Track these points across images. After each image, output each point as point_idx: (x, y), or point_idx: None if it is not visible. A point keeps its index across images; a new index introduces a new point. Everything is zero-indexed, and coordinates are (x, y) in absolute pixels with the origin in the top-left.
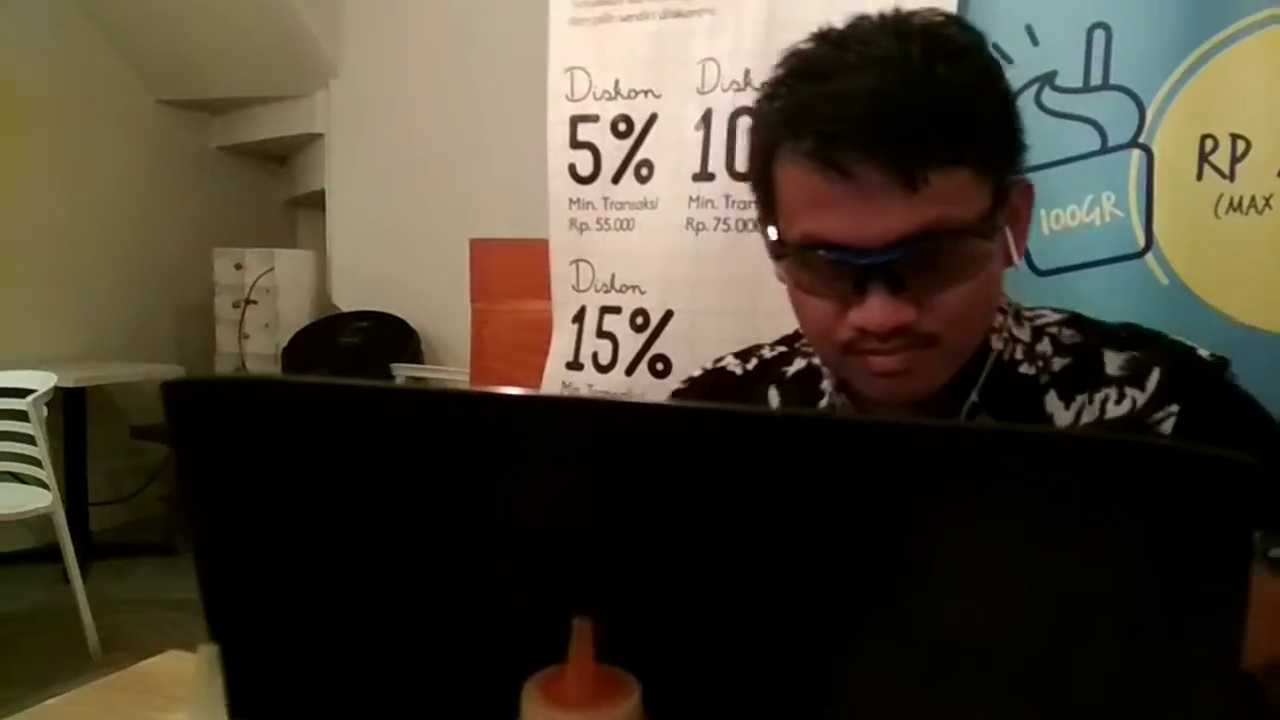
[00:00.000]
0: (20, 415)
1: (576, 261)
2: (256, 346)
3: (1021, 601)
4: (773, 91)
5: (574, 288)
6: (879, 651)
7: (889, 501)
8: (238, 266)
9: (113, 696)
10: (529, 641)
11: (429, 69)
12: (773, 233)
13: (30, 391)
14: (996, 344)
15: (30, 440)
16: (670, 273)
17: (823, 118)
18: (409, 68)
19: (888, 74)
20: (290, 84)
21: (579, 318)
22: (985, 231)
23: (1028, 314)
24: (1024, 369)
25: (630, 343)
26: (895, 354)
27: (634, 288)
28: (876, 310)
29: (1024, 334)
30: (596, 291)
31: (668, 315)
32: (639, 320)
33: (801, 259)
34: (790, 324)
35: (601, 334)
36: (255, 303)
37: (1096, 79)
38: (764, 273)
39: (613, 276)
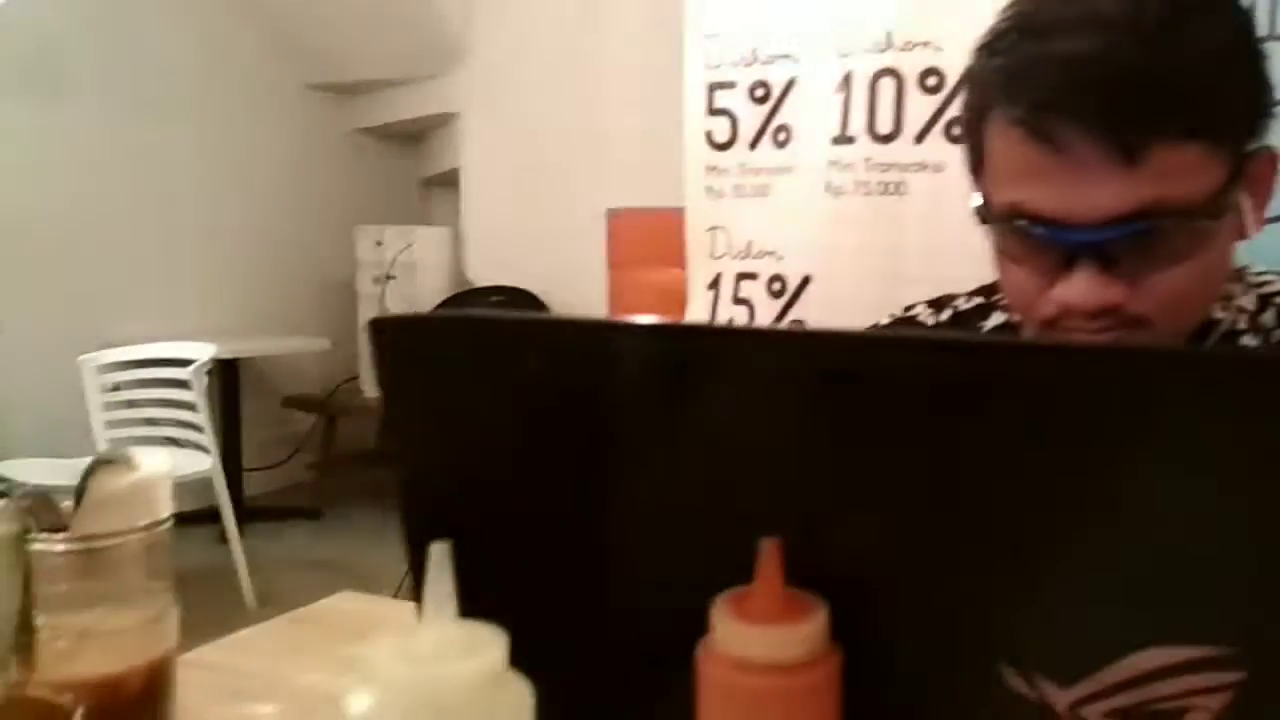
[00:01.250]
0: (182, 384)
1: (713, 229)
2: None
3: (1216, 523)
4: (991, 46)
5: (710, 255)
6: (1065, 575)
7: (1077, 425)
8: (378, 244)
9: (299, 630)
10: (719, 562)
11: (561, 43)
12: (978, 196)
13: (191, 361)
14: (1221, 314)
15: (191, 407)
16: (808, 238)
17: (1037, 83)
18: (541, 43)
19: (1115, 35)
20: (425, 65)
21: (715, 284)
22: (1213, 211)
23: (1254, 278)
24: (1245, 340)
25: (767, 308)
26: (1101, 335)
27: (770, 253)
28: (1083, 289)
29: (1249, 301)
30: (733, 258)
31: (805, 281)
32: (776, 286)
33: (1006, 228)
34: (932, 290)
35: (738, 300)
36: (394, 278)
37: None
38: (907, 236)
39: (749, 243)
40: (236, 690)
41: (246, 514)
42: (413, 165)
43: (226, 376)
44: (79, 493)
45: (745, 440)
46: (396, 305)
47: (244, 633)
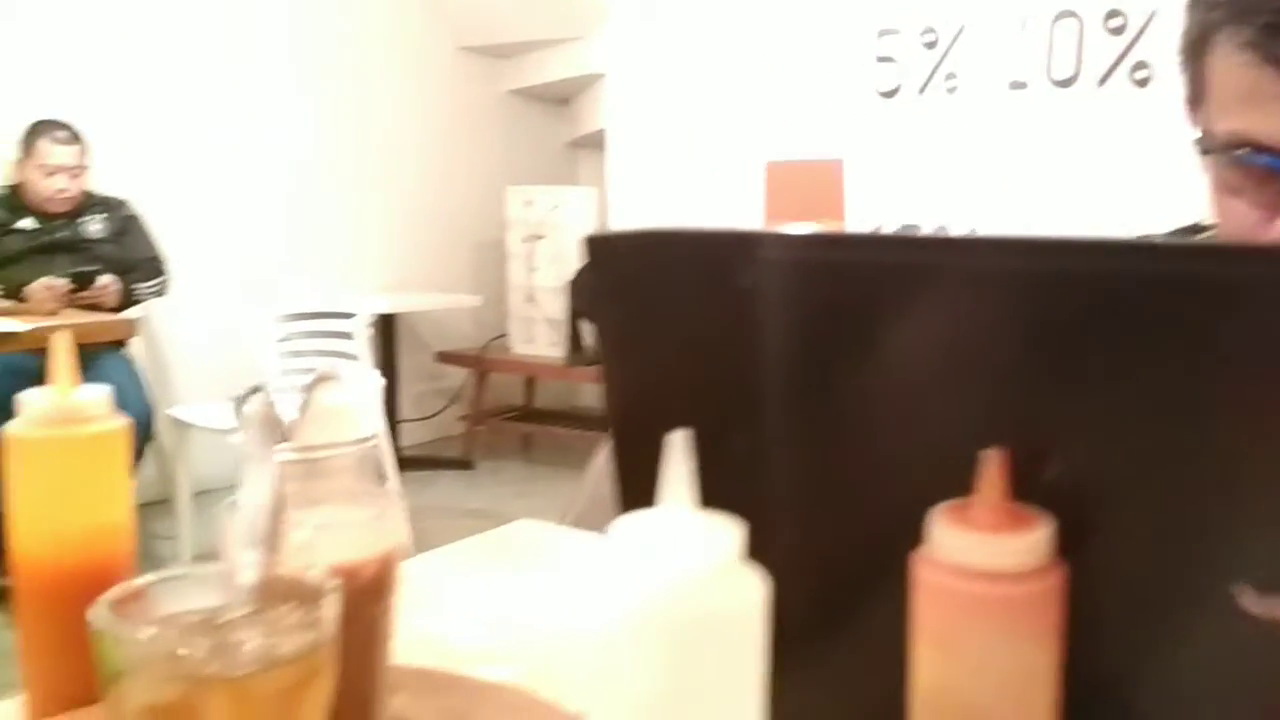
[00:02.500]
0: (346, 336)
1: (874, 179)
2: (544, 279)
3: None
4: None
5: (870, 206)
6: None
7: None
8: (527, 203)
9: (485, 549)
10: (937, 473)
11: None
12: (1197, 125)
13: (355, 315)
14: None
15: (354, 359)
16: (979, 186)
17: (1270, 5)
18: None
19: None
20: (573, 26)
21: None
22: None
23: None
24: None
25: None
26: None
27: (936, 204)
28: None
29: None
30: (894, 209)
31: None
32: None
33: (1227, 158)
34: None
35: None
36: (543, 237)
37: None
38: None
39: (912, 194)
40: (426, 603)
41: (401, 463)
42: (561, 127)
43: (385, 331)
44: (301, 405)
45: (969, 349)
46: (544, 264)
47: (437, 550)
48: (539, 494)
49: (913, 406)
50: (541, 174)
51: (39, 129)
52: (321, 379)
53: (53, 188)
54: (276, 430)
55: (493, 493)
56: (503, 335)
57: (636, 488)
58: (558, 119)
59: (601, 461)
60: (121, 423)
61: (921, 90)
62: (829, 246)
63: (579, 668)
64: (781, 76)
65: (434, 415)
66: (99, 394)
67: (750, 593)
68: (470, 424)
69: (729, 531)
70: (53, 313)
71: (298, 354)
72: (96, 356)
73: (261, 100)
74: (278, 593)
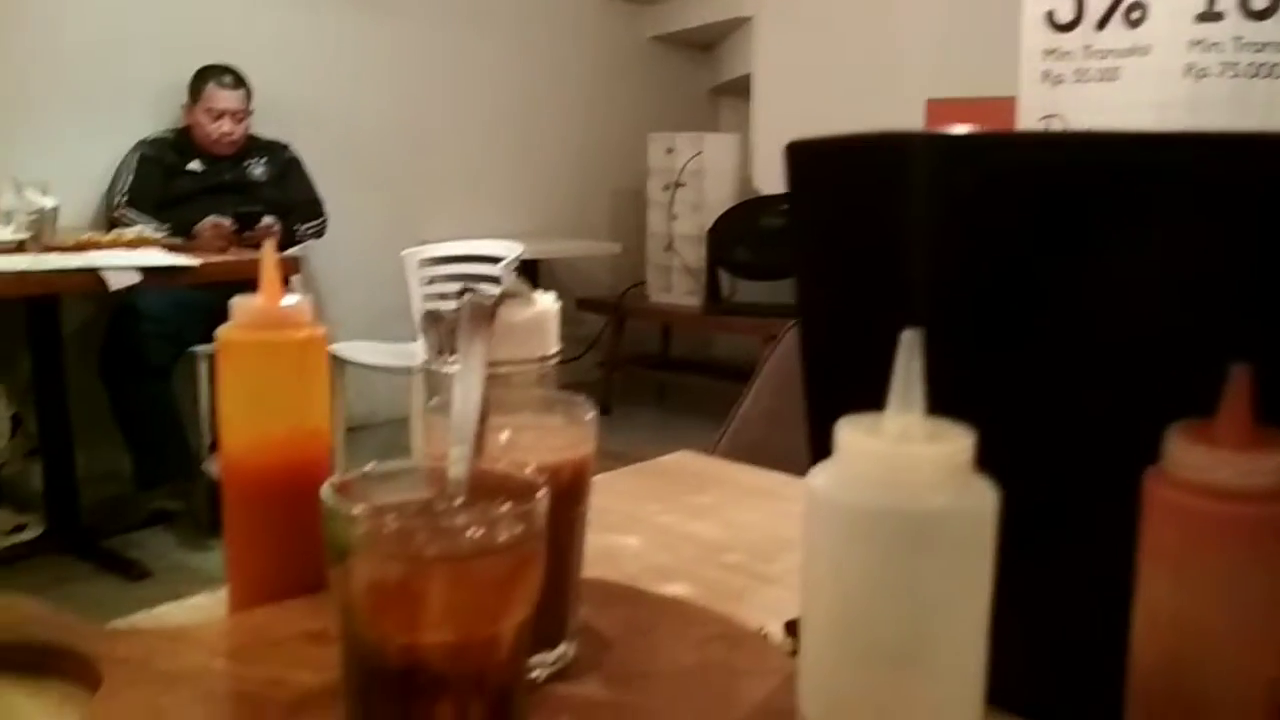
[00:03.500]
0: (492, 279)
1: (1047, 117)
2: (684, 227)
3: None
4: None
5: None
6: None
7: None
8: (669, 151)
9: (646, 480)
10: (1176, 389)
11: None
12: None
13: (500, 259)
14: None
15: None
16: (1161, 124)
17: None
18: None
19: None
20: None
21: None
22: None
23: None
24: None
25: None
26: None
27: None
28: None
29: None
30: None
31: None
32: None
33: None
34: None
35: None
36: (684, 185)
37: None
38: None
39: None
40: (601, 523)
41: None
42: (704, 73)
43: (526, 276)
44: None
45: (1209, 262)
46: (684, 212)
47: (600, 477)
48: (673, 441)
49: (1144, 319)
50: (683, 121)
51: (206, 74)
52: (509, 295)
53: (219, 130)
54: (486, 331)
55: (628, 437)
56: (641, 283)
57: (826, 386)
58: (700, 65)
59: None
60: (322, 330)
61: (1101, 25)
62: (1052, 147)
63: (753, 583)
64: (944, 7)
65: (572, 360)
66: (302, 303)
67: (981, 500)
68: (606, 371)
69: (960, 438)
70: (221, 250)
71: (442, 296)
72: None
73: (410, 48)
74: (487, 488)
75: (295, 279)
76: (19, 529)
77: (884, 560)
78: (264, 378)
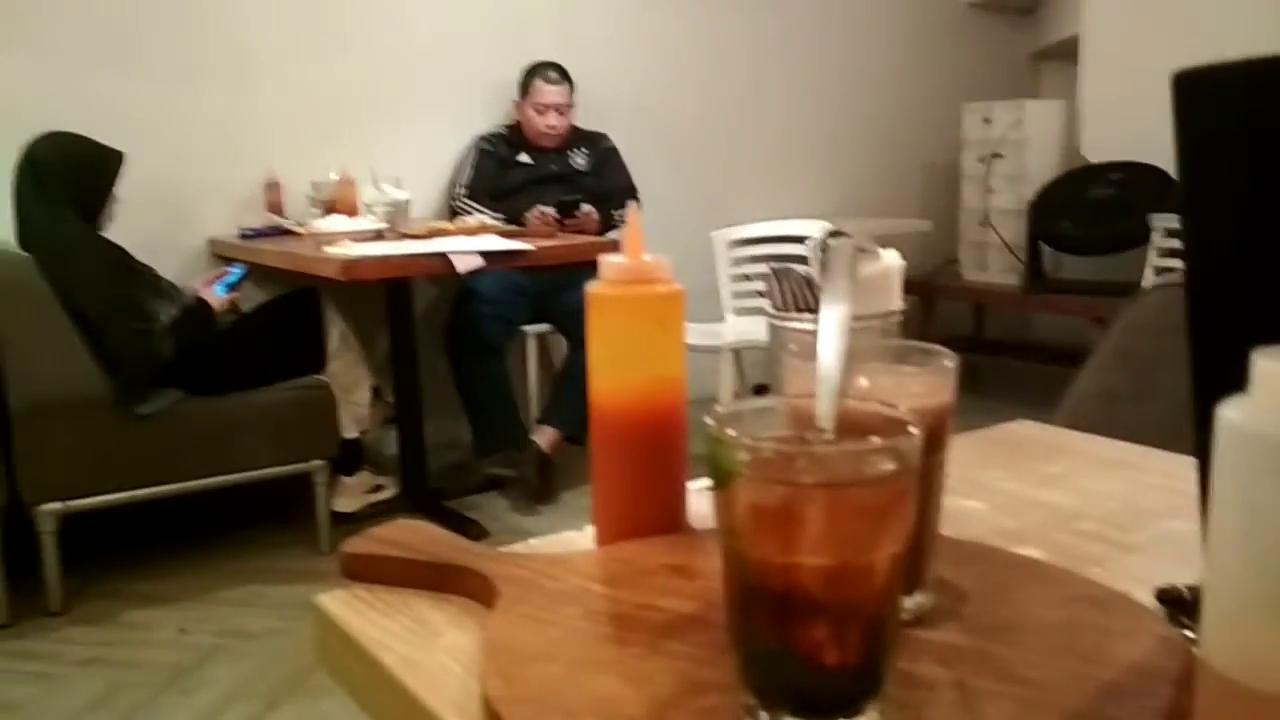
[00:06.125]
0: (799, 260)
1: None
2: (1002, 201)
3: None
4: None
5: None
6: None
7: None
8: (985, 121)
9: (988, 446)
10: None
11: None
12: None
13: (807, 238)
14: None
15: None
16: None
17: None
18: None
19: None
20: None
21: None
22: None
23: None
24: None
25: None
26: None
27: None
28: None
29: None
30: None
31: None
32: None
33: None
34: None
35: None
36: (1002, 156)
37: None
38: None
39: None
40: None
41: None
42: (1024, 37)
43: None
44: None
45: None
46: (1002, 185)
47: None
48: (990, 425)
49: None
50: (999, 89)
51: (534, 71)
52: (859, 250)
53: (545, 124)
54: (852, 272)
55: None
56: (953, 261)
57: (1219, 326)
58: (1021, 29)
59: (1095, 364)
60: (678, 287)
61: None
62: None
63: (1113, 551)
64: None
65: None
66: (663, 260)
67: None
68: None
69: None
70: (548, 236)
71: (747, 277)
72: (579, 274)
73: (718, 33)
74: (855, 425)
75: None
76: (377, 489)
77: None
78: (627, 329)
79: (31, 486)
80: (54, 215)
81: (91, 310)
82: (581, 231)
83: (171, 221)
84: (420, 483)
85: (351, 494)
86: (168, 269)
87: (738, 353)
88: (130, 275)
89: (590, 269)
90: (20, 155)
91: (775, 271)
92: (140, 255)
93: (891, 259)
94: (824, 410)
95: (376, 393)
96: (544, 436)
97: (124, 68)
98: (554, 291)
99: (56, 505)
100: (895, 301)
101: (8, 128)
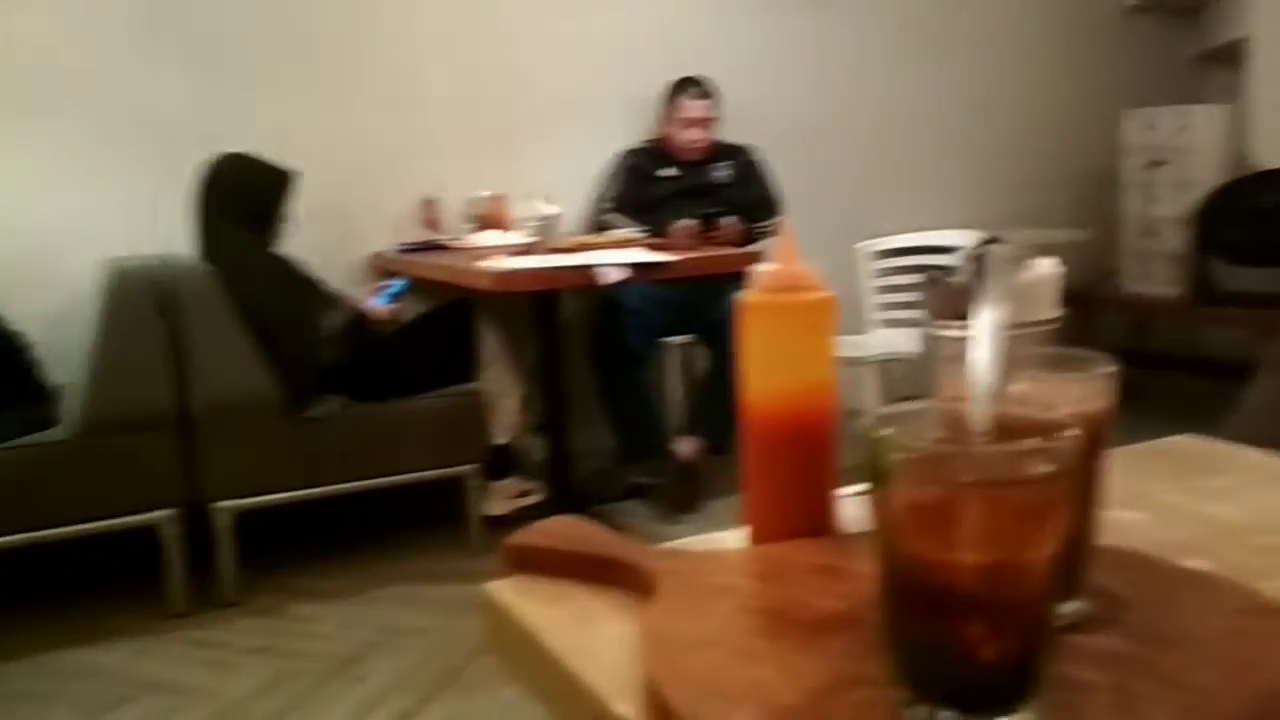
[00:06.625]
0: (950, 270)
1: None
2: (1164, 209)
3: None
4: None
5: None
6: None
7: None
8: (1148, 127)
9: (1149, 460)
10: None
11: None
12: None
13: (955, 249)
14: None
15: None
16: None
17: None
18: None
19: None
20: None
21: None
22: None
23: None
24: None
25: None
26: None
27: None
28: None
29: None
30: None
31: None
32: None
33: None
34: None
35: None
36: (1165, 163)
37: None
38: None
39: None
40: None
41: None
42: (1186, 40)
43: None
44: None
45: None
46: (1165, 193)
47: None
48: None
49: None
50: (1159, 94)
51: (679, 85)
52: (1017, 257)
53: (689, 138)
54: (1008, 278)
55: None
56: (1112, 271)
57: None
58: (1183, 32)
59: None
60: (830, 294)
61: None
62: None
63: (1275, 558)
64: None
65: None
66: (813, 269)
67: None
68: None
69: None
70: (691, 249)
71: (894, 289)
72: (722, 286)
73: (863, 41)
74: (1012, 429)
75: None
76: (525, 494)
77: None
78: (780, 335)
79: (210, 484)
80: (232, 231)
81: (264, 320)
82: (724, 243)
83: (338, 236)
84: (567, 489)
85: (501, 498)
86: (333, 281)
87: (884, 365)
88: (300, 287)
89: (732, 281)
90: (203, 175)
91: (930, 279)
92: (308, 267)
93: (1048, 267)
94: (980, 411)
95: (525, 401)
96: (687, 446)
97: (300, 93)
98: (697, 303)
99: (232, 503)
100: (1052, 310)
101: (193, 149)
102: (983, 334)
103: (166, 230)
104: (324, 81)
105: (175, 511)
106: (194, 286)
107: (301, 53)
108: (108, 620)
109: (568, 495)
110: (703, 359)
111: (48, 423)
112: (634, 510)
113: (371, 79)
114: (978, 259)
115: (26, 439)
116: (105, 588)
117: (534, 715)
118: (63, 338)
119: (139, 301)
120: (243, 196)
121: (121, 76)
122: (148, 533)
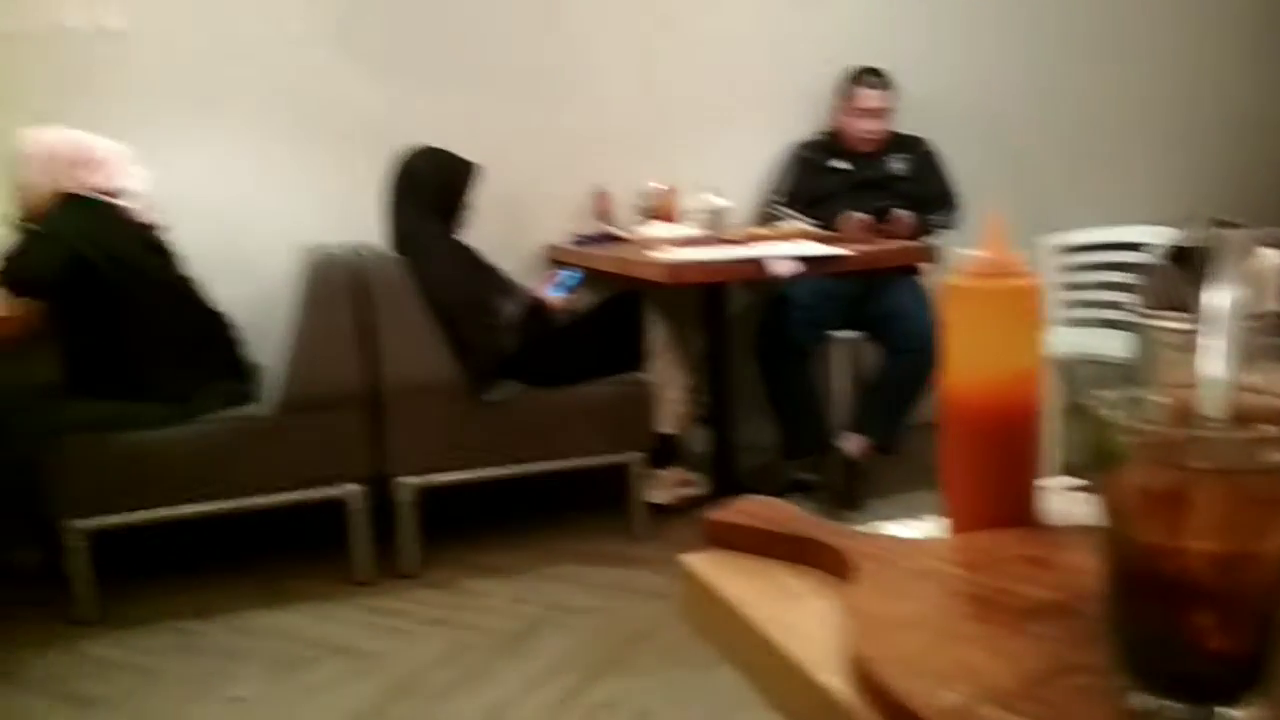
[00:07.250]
0: (1136, 268)
1: None
2: None
3: None
4: None
5: None
6: None
7: None
8: None
9: None
10: None
11: None
12: None
13: (1143, 246)
14: None
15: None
16: None
17: None
18: None
19: None
20: None
21: None
22: None
23: None
24: None
25: None
26: None
27: None
28: None
29: None
30: None
31: None
32: None
33: None
34: None
35: None
36: None
37: None
38: None
39: None
40: None
41: None
42: None
43: (1183, 265)
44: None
45: None
46: None
47: None
48: None
49: None
50: None
51: (856, 75)
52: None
53: (864, 129)
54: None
55: None
56: None
57: None
58: None
59: None
60: (1037, 281)
61: None
62: None
63: None
64: None
65: None
66: (1020, 255)
67: None
68: None
69: None
70: (863, 242)
71: (1077, 286)
72: (891, 280)
73: (1046, 25)
74: (1248, 417)
75: (931, 268)
76: (688, 484)
77: None
78: (986, 321)
79: (395, 461)
80: (420, 221)
81: (447, 306)
82: (895, 237)
83: (515, 227)
84: (729, 480)
85: (664, 487)
86: (509, 270)
87: (1068, 365)
88: (480, 275)
89: (903, 275)
90: (395, 168)
91: (1148, 269)
92: (487, 257)
93: (1273, 258)
94: (1214, 397)
95: (690, 392)
96: (853, 444)
97: (483, 91)
98: (865, 298)
99: (415, 479)
100: (1271, 301)
101: (384, 145)
102: (1218, 317)
103: (360, 221)
104: (504, 80)
105: (362, 486)
106: (385, 274)
107: (484, 54)
108: (296, 585)
109: (730, 487)
110: (868, 356)
111: (249, 398)
112: (797, 506)
113: (548, 77)
114: (1206, 244)
115: (230, 413)
116: (294, 555)
117: (696, 699)
118: (262, 320)
119: (335, 287)
120: (432, 186)
121: (322, 80)
122: (336, 505)
